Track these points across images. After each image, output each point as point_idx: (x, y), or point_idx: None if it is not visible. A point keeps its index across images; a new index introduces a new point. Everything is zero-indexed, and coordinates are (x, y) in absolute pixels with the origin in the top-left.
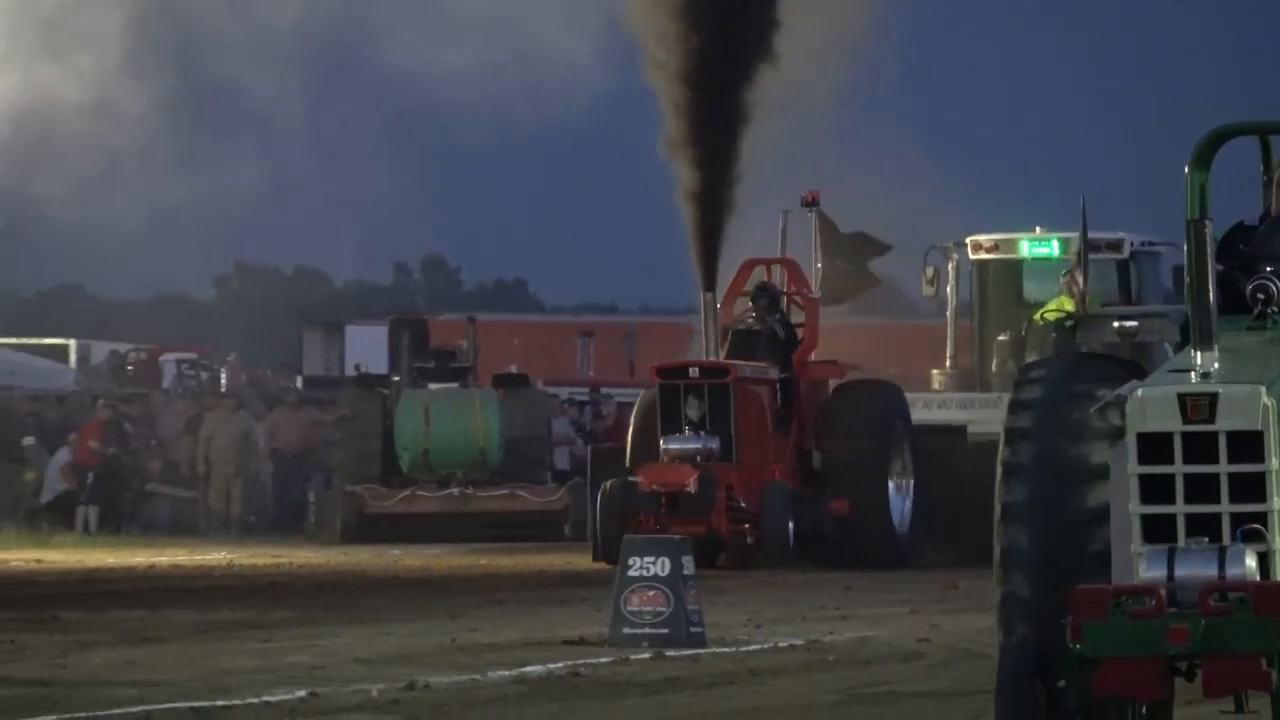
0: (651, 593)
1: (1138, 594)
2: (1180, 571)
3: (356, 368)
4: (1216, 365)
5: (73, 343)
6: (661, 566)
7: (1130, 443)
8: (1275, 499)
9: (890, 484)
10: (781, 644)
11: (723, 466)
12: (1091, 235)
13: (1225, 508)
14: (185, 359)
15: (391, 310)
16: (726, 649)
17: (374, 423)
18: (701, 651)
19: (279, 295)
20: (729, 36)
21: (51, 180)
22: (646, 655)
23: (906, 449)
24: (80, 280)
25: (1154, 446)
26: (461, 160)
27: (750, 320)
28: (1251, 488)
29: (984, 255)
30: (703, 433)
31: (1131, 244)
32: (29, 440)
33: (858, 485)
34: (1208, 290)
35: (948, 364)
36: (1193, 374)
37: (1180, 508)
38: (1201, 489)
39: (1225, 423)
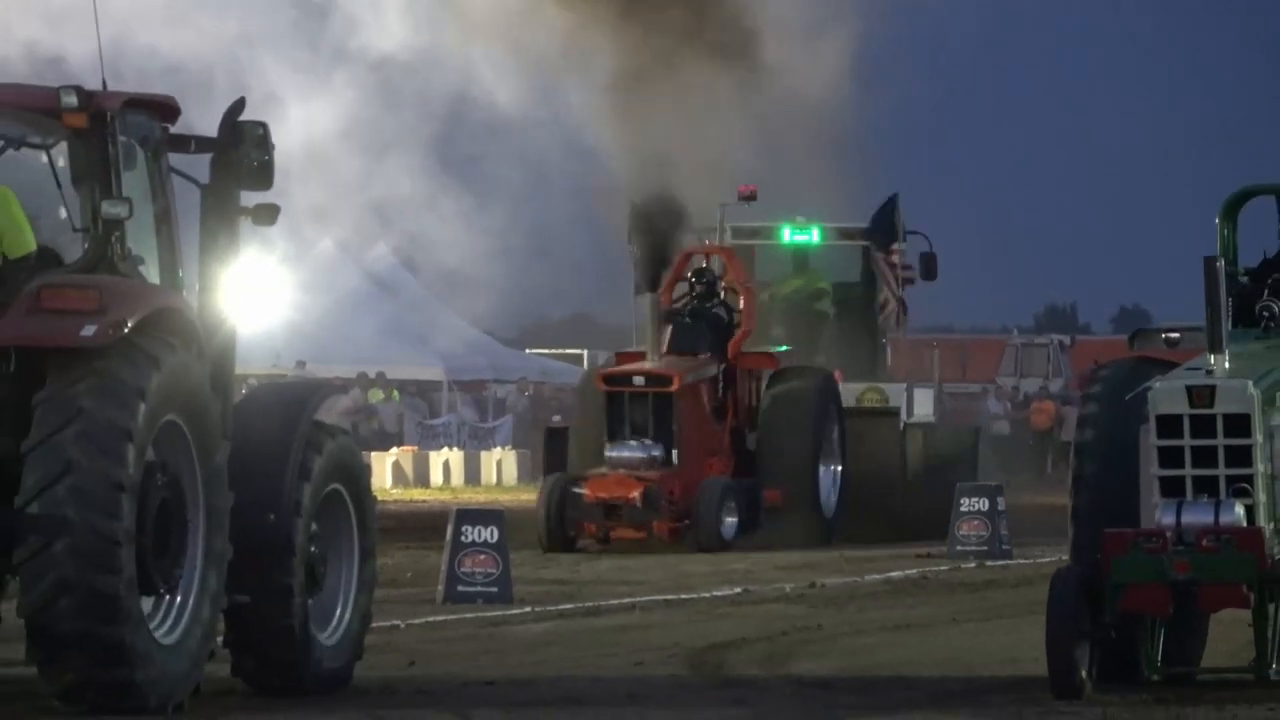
0: (975, 522)
1: (1151, 535)
2: (1186, 519)
3: None
4: (1226, 365)
5: (585, 352)
6: (982, 504)
7: (1151, 423)
8: (1259, 464)
9: (821, 469)
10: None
11: (665, 475)
12: (842, 225)
13: (1222, 471)
14: None
15: None
16: (1028, 561)
17: None
18: (1010, 563)
19: None
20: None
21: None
22: (972, 565)
23: (836, 433)
24: (590, 309)
25: (1169, 425)
26: None
27: (689, 305)
28: (1242, 456)
29: (746, 241)
30: (646, 440)
31: None
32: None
33: (790, 472)
34: (1219, 310)
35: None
36: (1203, 371)
37: (1188, 471)
38: (1204, 457)
39: (1222, 407)
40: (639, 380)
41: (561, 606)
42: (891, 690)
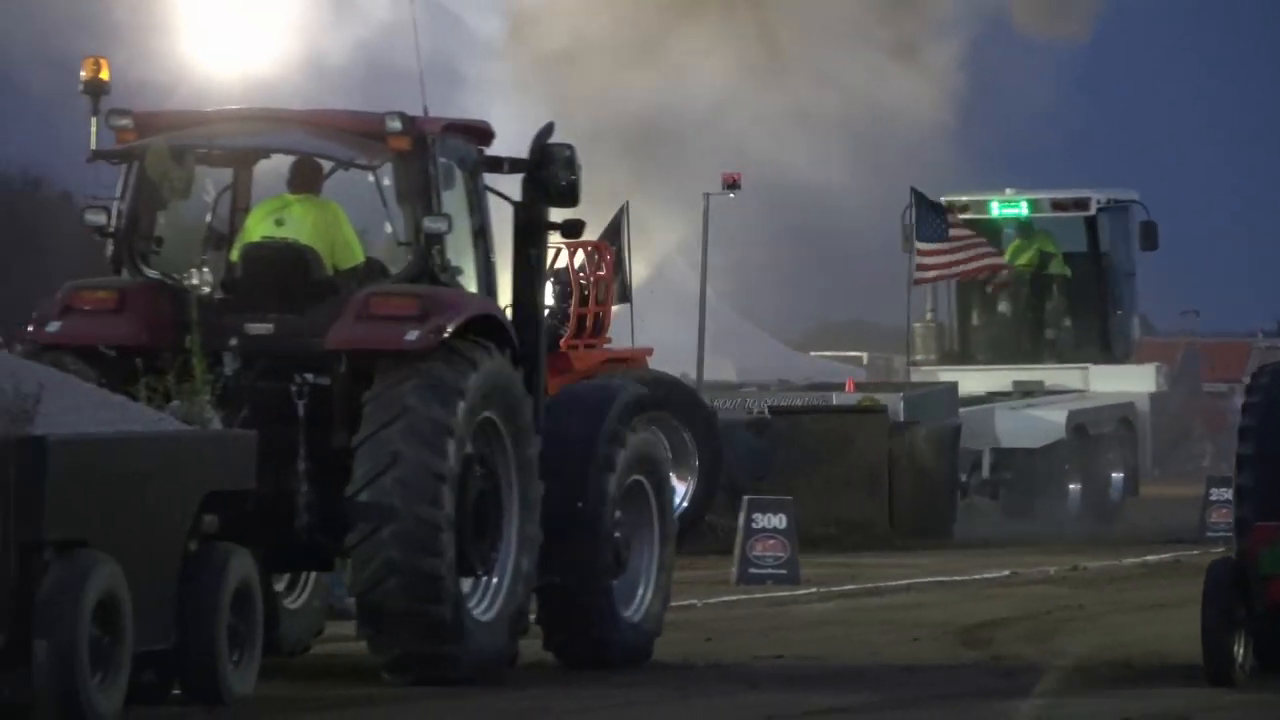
0: (1224, 510)
1: None
2: None
3: None
4: None
5: (865, 354)
6: (1230, 494)
7: None
8: None
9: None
10: None
11: None
12: (1058, 195)
13: None
14: None
15: None
16: None
17: None
18: None
19: None
20: None
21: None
22: (1222, 550)
23: (693, 448)
24: (867, 312)
25: None
26: None
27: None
28: None
29: (958, 215)
30: None
31: (1097, 201)
32: None
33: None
34: None
35: (928, 316)
36: None
37: None
38: None
39: None
40: None
41: (844, 588)
42: (1149, 666)
